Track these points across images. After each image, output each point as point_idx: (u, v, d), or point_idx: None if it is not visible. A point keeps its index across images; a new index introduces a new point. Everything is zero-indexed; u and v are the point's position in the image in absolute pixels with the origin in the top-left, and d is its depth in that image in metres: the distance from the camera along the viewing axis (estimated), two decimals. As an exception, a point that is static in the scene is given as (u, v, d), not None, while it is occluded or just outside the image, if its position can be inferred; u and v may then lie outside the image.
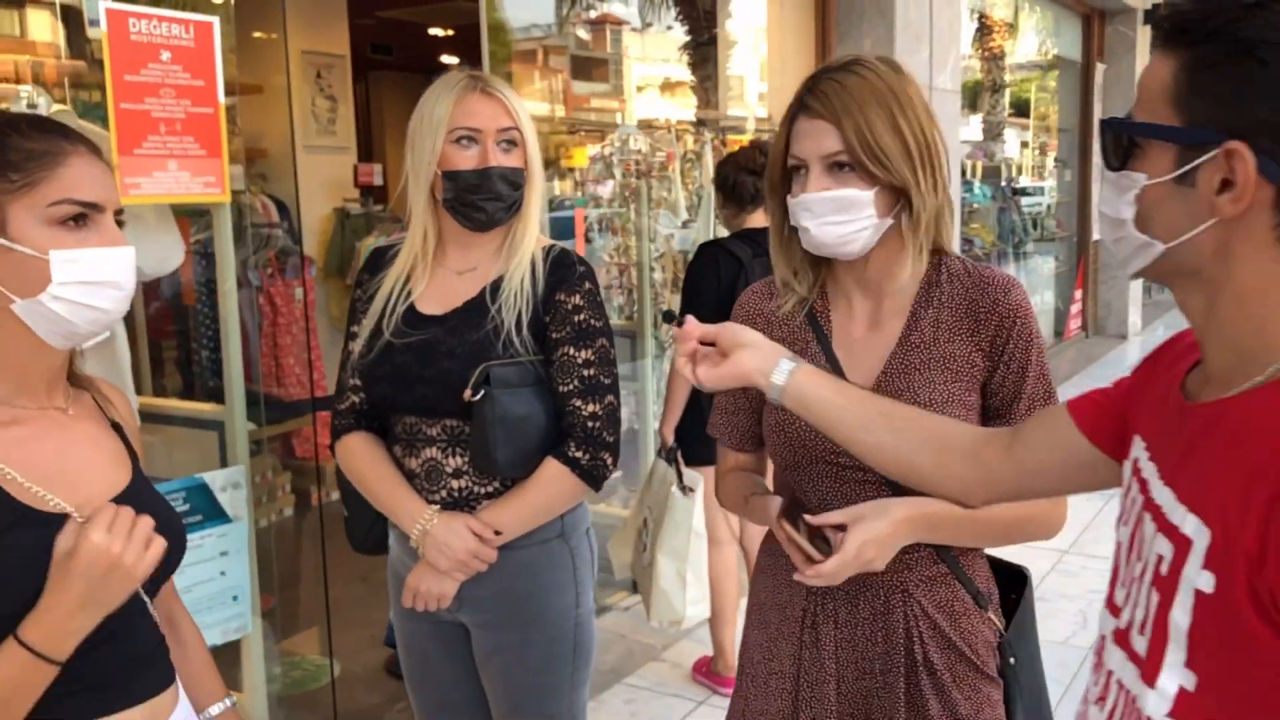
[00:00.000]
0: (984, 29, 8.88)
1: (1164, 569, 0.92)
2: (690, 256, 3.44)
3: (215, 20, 2.49)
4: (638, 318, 4.54)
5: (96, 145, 1.22)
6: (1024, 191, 9.74)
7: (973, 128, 9.03)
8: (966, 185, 7.88)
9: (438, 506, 1.81)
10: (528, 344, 1.79)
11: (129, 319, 2.96)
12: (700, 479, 3.21)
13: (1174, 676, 0.91)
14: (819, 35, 5.03)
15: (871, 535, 1.41)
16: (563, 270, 1.82)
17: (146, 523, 1.14)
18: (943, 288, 1.54)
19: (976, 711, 1.53)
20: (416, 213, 1.83)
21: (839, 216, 1.45)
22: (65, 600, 1.10)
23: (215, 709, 1.42)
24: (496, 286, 1.81)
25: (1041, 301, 9.87)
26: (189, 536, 2.45)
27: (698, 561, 3.22)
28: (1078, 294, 10.05)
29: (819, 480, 1.56)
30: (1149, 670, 0.93)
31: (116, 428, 1.32)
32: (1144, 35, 10.16)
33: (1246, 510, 0.84)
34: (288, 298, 5.42)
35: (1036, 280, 9.78)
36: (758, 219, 3.32)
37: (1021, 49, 9.66)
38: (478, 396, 1.72)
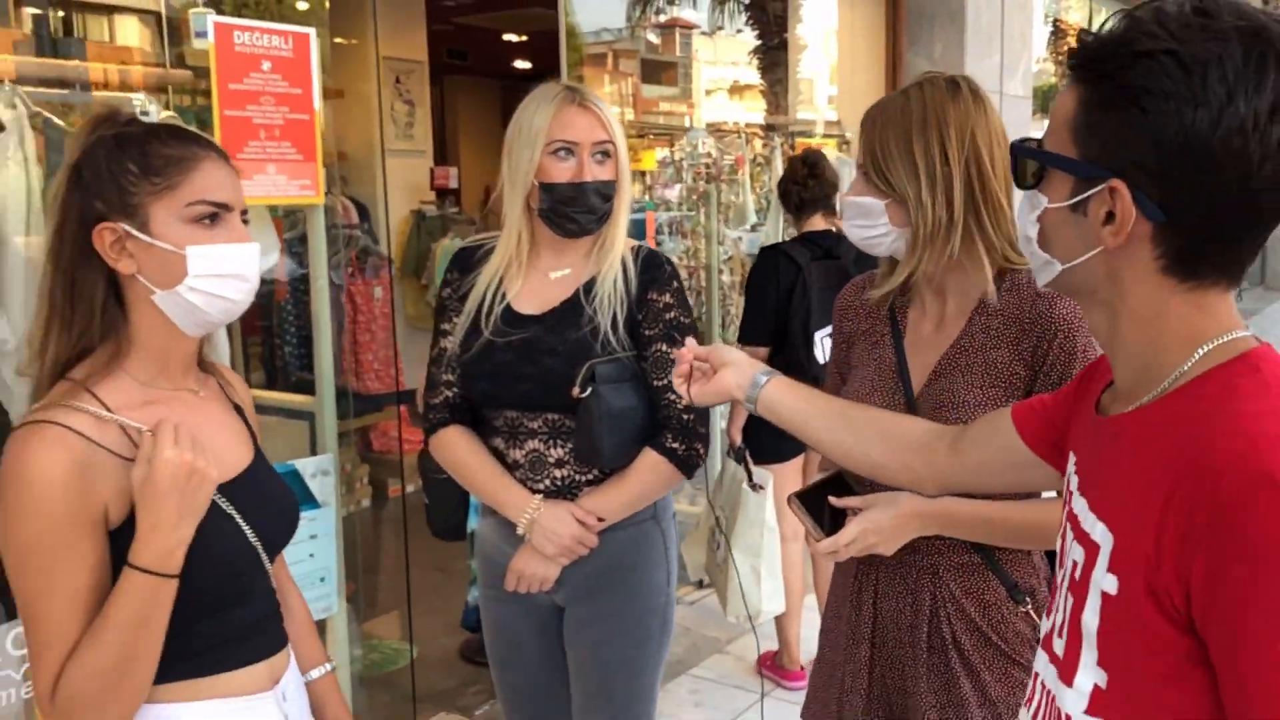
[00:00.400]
0: (1058, 33, 8.81)
1: (1077, 574, 1.01)
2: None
3: (312, 31, 2.63)
4: (706, 319, 4.63)
5: (225, 151, 1.34)
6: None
7: (1037, 134, 8.94)
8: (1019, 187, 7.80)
9: (541, 495, 1.90)
10: (623, 341, 1.88)
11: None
12: (769, 476, 3.30)
13: (1088, 675, 0.99)
14: (889, 40, 5.07)
15: (872, 524, 1.57)
16: (653, 270, 1.94)
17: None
18: (1002, 297, 1.60)
19: (1009, 694, 1.60)
20: (511, 218, 1.93)
21: (862, 220, 1.62)
22: (164, 518, 1.19)
23: (316, 673, 1.54)
24: (590, 288, 1.91)
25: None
26: (281, 520, 2.63)
27: (771, 557, 3.33)
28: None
29: None
30: (1066, 670, 1.02)
31: (238, 410, 1.45)
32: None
33: (1144, 514, 0.92)
34: (368, 296, 5.60)
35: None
36: (817, 223, 3.43)
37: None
38: (585, 393, 1.83)
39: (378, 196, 6.27)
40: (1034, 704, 1.10)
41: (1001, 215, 1.58)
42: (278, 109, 2.54)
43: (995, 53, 5.13)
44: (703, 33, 7.27)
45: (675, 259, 4.74)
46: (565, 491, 1.92)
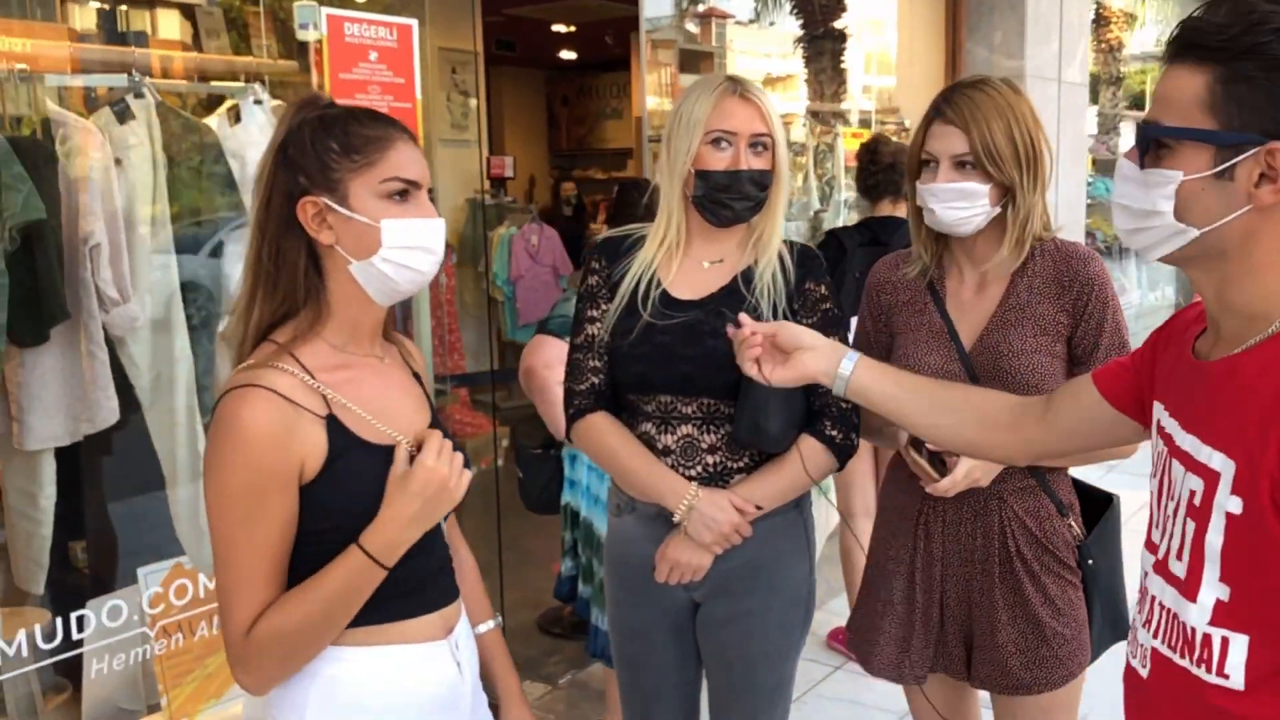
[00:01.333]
0: (1100, 20, 8.77)
1: (1197, 500, 1.13)
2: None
3: (414, 23, 2.74)
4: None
5: (414, 133, 1.44)
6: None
7: (1089, 121, 8.93)
8: (1091, 178, 7.83)
9: (697, 484, 1.89)
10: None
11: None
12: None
13: (1211, 590, 1.11)
14: (949, 29, 5.13)
15: (977, 460, 1.80)
16: (810, 262, 1.98)
17: (459, 455, 1.37)
18: (1036, 261, 1.91)
19: (1061, 593, 1.90)
20: (667, 206, 1.96)
21: (959, 203, 1.85)
22: (402, 515, 1.31)
23: (483, 627, 1.62)
24: (747, 276, 1.93)
25: (1161, 297, 9.71)
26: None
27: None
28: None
29: None
30: (1189, 588, 1.13)
31: (416, 378, 1.54)
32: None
33: (1265, 440, 1.04)
34: (433, 284, 5.71)
35: (1158, 275, 9.63)
36: (885, 208, 3.51)
37: (1138, 40, 9.49)
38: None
39: (435, 186, 6.40)
40: (1153, 623, 1.20)
41: (1042, 194, 1.90)
42: (383, 98, 2.66)
43: (1054, 40, 5.17)
44: (738, 22, 7.29)
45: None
46: (717, 479, 1.92)
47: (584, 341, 2.00)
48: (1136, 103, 10.16)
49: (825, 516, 3.70)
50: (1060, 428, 1.47)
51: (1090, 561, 1.93)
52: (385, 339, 1.51)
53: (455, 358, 5.63)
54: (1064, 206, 5.41)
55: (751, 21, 7.31)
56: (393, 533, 1.32)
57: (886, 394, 1.57)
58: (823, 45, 6.87)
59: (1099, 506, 2.00)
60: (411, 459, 1.35)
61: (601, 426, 1.97)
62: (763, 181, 1.92)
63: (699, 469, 1.92)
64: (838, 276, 3.37)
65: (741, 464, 1.93)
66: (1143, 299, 9.23)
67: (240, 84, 2.76)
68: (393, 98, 2.67)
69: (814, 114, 6.04)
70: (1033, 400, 1.54)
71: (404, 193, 1.38)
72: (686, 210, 1.96)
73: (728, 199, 1.90)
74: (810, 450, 1.91)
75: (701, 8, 7.65)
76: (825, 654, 3.71)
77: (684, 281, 1.97)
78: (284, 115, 1.41)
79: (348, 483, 1.33)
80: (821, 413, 1.93)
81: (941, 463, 1.85)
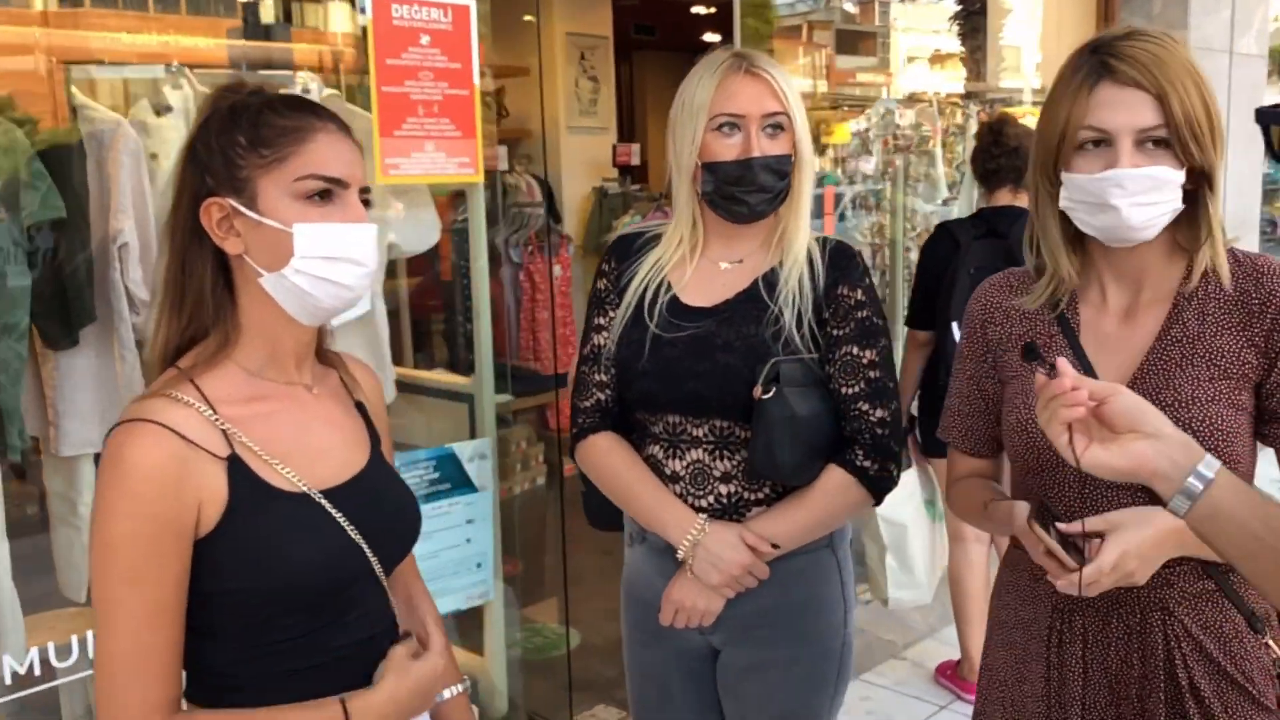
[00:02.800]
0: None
1: None
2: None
3: (471, 3, 2.55)
4: (889, 301, 4.37)
5: (346, 123, 1.24)
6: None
7: (1277, 96, 8.19)
8: (1274, 159, 7.11)
9: (705, 516, 1.68)
10: (808, 341, 1.66)
11: (393, 294, 3.12)
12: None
13: None
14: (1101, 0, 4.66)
15: (1133, 545, 1.30)
16: (844, 262, 1.71)
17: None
18: (1209, 277, 1.41)
19: None
20: (679, 204, 1.75)
21: (1152, 197, 1.34)
22: (396, 697, 1.21)
23: (446, 693, 1.40)
24: (769, 279, 1.69)
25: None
26: (439, 504, 2.59)
27: (899, 546, 3.29)
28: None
29: (1065, 487, 1.45)
30: None
31: (361, 408, 1.35)
32: None
33: None
34: (546, 275, 5.59)
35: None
36: (1003, 197, 3.13)
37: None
38: (769, 395, 1.60)
39: (559, 174, 6.28)
40: None
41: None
42: (436, 84, 2.48)
43: (1225, 7, 4.63)
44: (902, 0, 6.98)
45: (859, 235, 4.50)
46: (731, 511, 1.69)
47: (590, 353, 1.78)
48: (1336, 76, 9.25)
49: (931, 539, 3.38)
50: None
51: None
52: (322, 363, 1.32)
53: (570, 351, 5.48)
54: (1233, 194, 4.86)
55: None
56: (377, 706, 1.20)
57: (1248, 531, 1.07)
58: (978, 22, 6.46)
59: None
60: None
61: (605, 448, 1.76)
62: (781, 168, 1.66)
63: (710, 499, 1.69)
64: (950, 275, 3.04)
65: (760, 495, 1.68)
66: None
67: (286, 73, 2.64)
68: (448, 84, 2.49)
69: (969, 95, 5.66)
70: None
71: (325, 193, 1.18)
72: (700, 207, 1.72)
73: (741, 192, 1.65)
74: (839, 483, 1.65)
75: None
76: (932, 690, 3.39)
77: (697, 286, 1.73)
78: (200, 106, 1.23)
79: (251, 538, 1.14)
80: (853, 439, 1.66)
81: (1078, 549, 1.33)
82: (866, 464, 1.65)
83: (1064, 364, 1.16)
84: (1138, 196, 1.33)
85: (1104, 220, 1.37)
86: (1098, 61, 1.36)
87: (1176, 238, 1.41)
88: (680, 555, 1.67)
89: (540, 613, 3.60)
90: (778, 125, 1.67)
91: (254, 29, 3.34)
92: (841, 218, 4.45)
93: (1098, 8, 4.67)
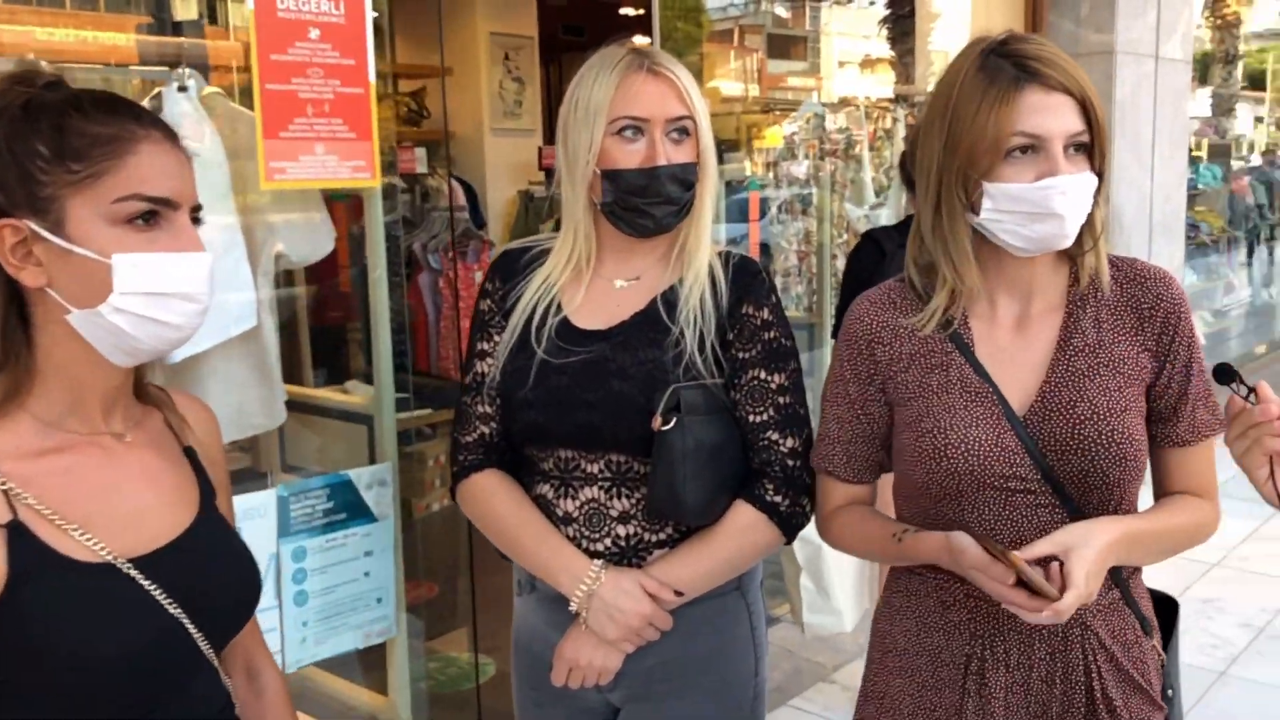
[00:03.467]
0: (1217, -7, 8.09)
1: None
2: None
3: (365, -6, 2.37)
4: (817, 309, 4.26)
5: (174, 130, 1.07)
6: (1256, 170, 8.82)
7: (1200, 102, 8.30)
8: (1193, 165, 7.18)
9: (601, 562, 1.52)
10: (711, 365, 1.52)
11: (289, 305, 2.92)
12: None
13: None
14: (1029, 1, 4.59)
15: (1091, 564, 1.25)
16: (749, 279, 1.57)
17: None
18: (1094, 282, 1.42)
19: None
20: (570, 215, 1.58)
21: (1084, 203, 1.33)
22: None
23: None
24: (668, 298, 1.55)
25: (1276, 293, 8.94)
26: (334, 536, 2.40)
27: (814, 568, 3.22)
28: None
29: (985, 508, 1.38)
30: None
31: (191, 454, 1.17)
32: None
33: None
34: (468, 282, 5.40)
35: (1274, 270, 8.86)
36: None
37: (1259, 15, 8.79)
38: (669, 426, 1.45)
39: (484, 177, 6.10)
40: None
41: None
42: (327, 82, 2.30)
43: (1150, 11, 4.60)
44: (835, 4, 6.97)
45: (785, 242, 4.38)
46: (630, 555, 1.54)
47: (472, 383, 1.61)
48: (1255, 82, 9.39)
49: (858, 564, 3.27)
50: None
51: (1170, 692, 1.45)
52: (142, 402, 1.14)
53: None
54: (1161, 197, 4.84)
55: (849, 1, 6.99)
56: None
57: None
58: (907, 25, 6.43)
59: (1160, 610, 1.51)
60: None
61: (488, 488, 1.59)
62: (687, 178, 1.52)
63: (607, 542, 1.53)
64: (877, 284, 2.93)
65: (662, 537, 1.53)
66: (1254, 297, 8.48)
67: (160, 68, 2.44)
68: (339, 82, 2.31)
69: (898, 99, 5.61)
70: None
71: (150, 215, 1.00)
72: (595, 220, 1.57)
73: (645, 204, 1.50)
74: (747, 521, 1.50)
75: (792, -11, 7.37)
76: (862, 714, 3.28)
77: (592, 306, 1.57)
78: None
79: (37, 615, 0.95)
80: (762, 472, 1.52)
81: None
82: (777, 499, 1.52)
83: (1266, 388, 1.11)
84: (1077, 204, 1.31)
85: (1042, 229, 1.32)
86: (1014, 66, 1.31)
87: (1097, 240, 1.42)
88: (573, 607, 1.51)
89: (453, 642, 3.41)
90: (683, 130, 1.54)
91: (162, 25, 3.14)
92: (771, 224, 4.34)
93: (1025, 12, 4.61)
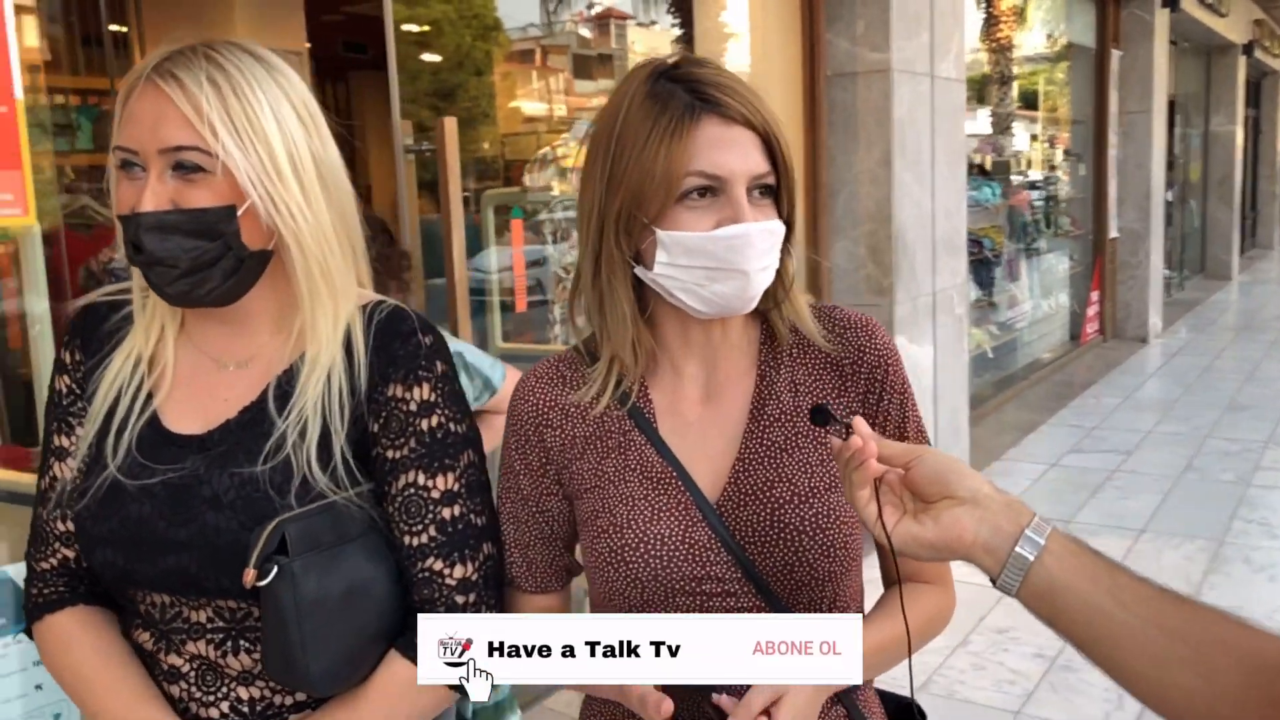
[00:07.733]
0: (991, 19, 8.40)
1: None
2: None
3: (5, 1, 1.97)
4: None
5: None
6: (1034, 186, 9.21)
7: (979, 122, 8.61)
8: (974, 182, 7.36)
9: None
10: (341, 475, 1.15)
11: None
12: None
13: None
14: (806, 20, 4.50)
15: (801, 706, 1.07)
16: (396, 344, 1.18)
17: None
18: (791, 339, 1.22)
19: None
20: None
21: (771, 257, 1.12)
22: None
23: None
24: (283, 386, 1.18)
25: (1056, 303, 9.33)
26: (-12, 645, 1.98)
27: None
28: (1094, 295, 9.53)
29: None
30: None
31: None
32: (1162, 19, 9.61)
33: None
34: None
35: (1051, 281, 9.24)
36: None
37: (1030, 39, 9.23)
38: (266, 579, 1.08)
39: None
40: None
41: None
42: (-44, 99, 1.89)
43: (924, 31, 4.59)
44: (640, 24, 6.90)
45: (562, 270, 4.13)
46: None
47: (49, 487, 1.23)
48: (1029, 102, 9.84)
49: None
50: None
51: None
52: None
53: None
54: (942, 214, 4.84)
55: (652, 23, 6.94)
56: None
57: (1091, 603, 0.87)
58: (690, 45, 6.36)
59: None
60: None
61: (65, 637, 1.20)
62: (200, 225, 1.10)
63: (226, 707, 1.17)
64: None
65: (299, 697, 1.18)
66: (1035, 308, 8.81)
67: None
68: (-27, 99, 1.91)
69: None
70: None
71: None
72: None
73: (142, 265, 1.13)
74: (400, 684, 1.16)
75: (596, 10, 7.37)
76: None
77: (188, 399, 1.20)
78: None
79: None
80: (424, 612, 1.15)
81: (717, 710, 1.09)
82: None
83: (861, 423, 0.98)
84: (764, 257, 1.10)
85: (725, 288, 1.10)
86: (688, 92, 1.09)
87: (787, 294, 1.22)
88: None
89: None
90: (195, 166, 1.10)
91: None
92: (551, 246, 4.10)
93: (802, 31, 4.52)
